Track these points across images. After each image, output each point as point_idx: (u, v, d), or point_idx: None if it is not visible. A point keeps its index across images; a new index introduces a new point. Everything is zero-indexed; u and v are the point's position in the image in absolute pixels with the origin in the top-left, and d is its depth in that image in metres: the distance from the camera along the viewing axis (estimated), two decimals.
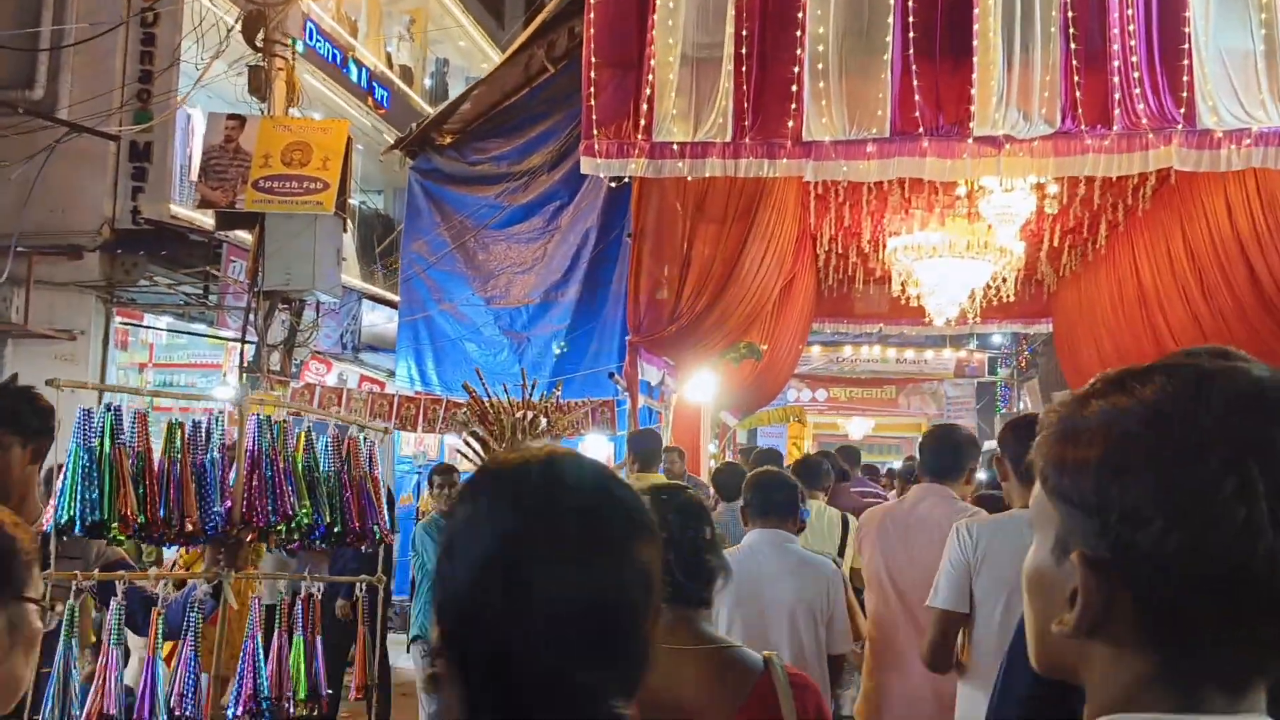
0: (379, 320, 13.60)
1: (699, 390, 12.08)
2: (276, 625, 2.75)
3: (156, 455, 2.51)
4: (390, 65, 16.56)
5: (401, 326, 11.17)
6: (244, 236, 9.56)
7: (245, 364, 8.89)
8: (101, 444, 2.37)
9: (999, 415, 30.77)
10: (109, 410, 2.43)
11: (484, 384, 4.92)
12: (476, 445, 4.90)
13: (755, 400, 16.24)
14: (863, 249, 14.00)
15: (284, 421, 2.73)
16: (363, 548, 3.09)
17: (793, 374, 20.02)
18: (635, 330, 9.07)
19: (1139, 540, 0.85)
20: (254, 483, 2.51)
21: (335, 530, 2.77)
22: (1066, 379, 18.35)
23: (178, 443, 2.52)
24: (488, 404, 4.83)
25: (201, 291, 9.92)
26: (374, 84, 14.57)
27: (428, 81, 18.02)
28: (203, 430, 2.59)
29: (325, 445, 2.87)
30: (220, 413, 2.63)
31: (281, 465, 2.53)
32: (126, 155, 10.19)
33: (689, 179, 8.96)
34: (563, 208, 10.90)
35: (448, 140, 11.27)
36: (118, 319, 10.38)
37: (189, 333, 10.98)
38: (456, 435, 10.31)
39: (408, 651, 6.16)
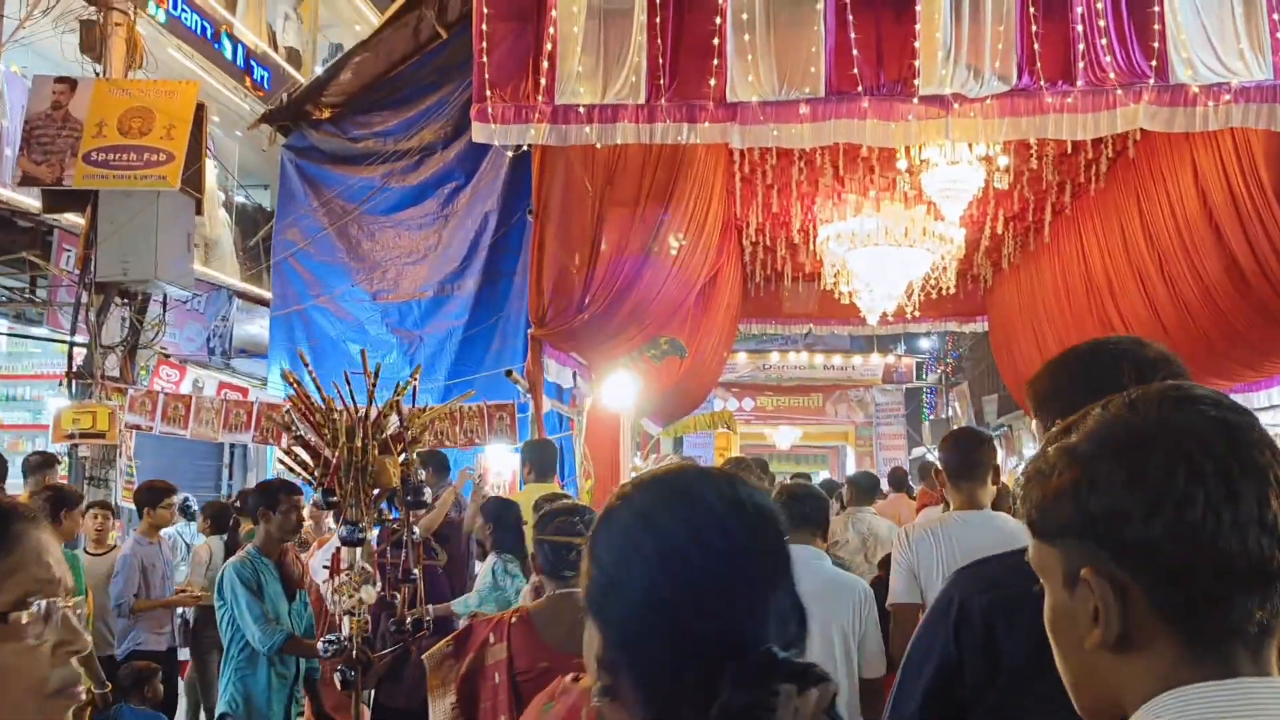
0: (259, 327, 12.17)
1: (617, 395, 10.90)
2: None
3: None
4: (275, 46, 15.14)
5: (274, 323, 9.81)
6: (78, 220, 8.15)
7: (73, 369, 7.46)
8: None
9: (927, 421, 30.17)
10: None
11: (311, 373, 3.68)
12: (304, 454, 3.64)
13: (680, 407, 15.09)
14: (792, 240, 12.94)
15: None
16: None
17: (719, 379, 18.95)
18: (538, 322, 7.83)
19: (1128, 536, 0.96)
20: None
21: None
22: (1003, 379, 17.53)
23: None
24: (319, 401, 3.60)
25: (27, 285, 8.46)
26: (252, 63, 13.15)
27: (319, 69, 16.59)
28: None
29: None
30: None
31: None
32: None
33: (598, 147, 7.79)
34: (459, 189, 9.67)
35: (326, 114, 9.96)
36: None
37: (12, 335, 9.46)
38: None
39: None
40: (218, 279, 11.43)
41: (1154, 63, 7.11)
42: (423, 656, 2.81)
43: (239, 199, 13.65)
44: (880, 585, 4.12)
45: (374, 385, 3.66)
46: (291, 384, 3.58)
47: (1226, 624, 0.94)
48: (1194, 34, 7.11)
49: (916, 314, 13.48)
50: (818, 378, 30.13)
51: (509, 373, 7.55)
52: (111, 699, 5.13)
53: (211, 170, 10.18)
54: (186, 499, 8.29)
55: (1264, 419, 12.68)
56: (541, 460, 6.58)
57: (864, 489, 8.28)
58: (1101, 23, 7.13)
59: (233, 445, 12.55)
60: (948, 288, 12.46)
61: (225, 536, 7.32)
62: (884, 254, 11.56)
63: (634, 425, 13.17)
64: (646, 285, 8.62)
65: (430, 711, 2.73)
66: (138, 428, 7.56)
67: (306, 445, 3.67)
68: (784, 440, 30.04)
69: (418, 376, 3.89)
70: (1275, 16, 6.88)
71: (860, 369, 29.75)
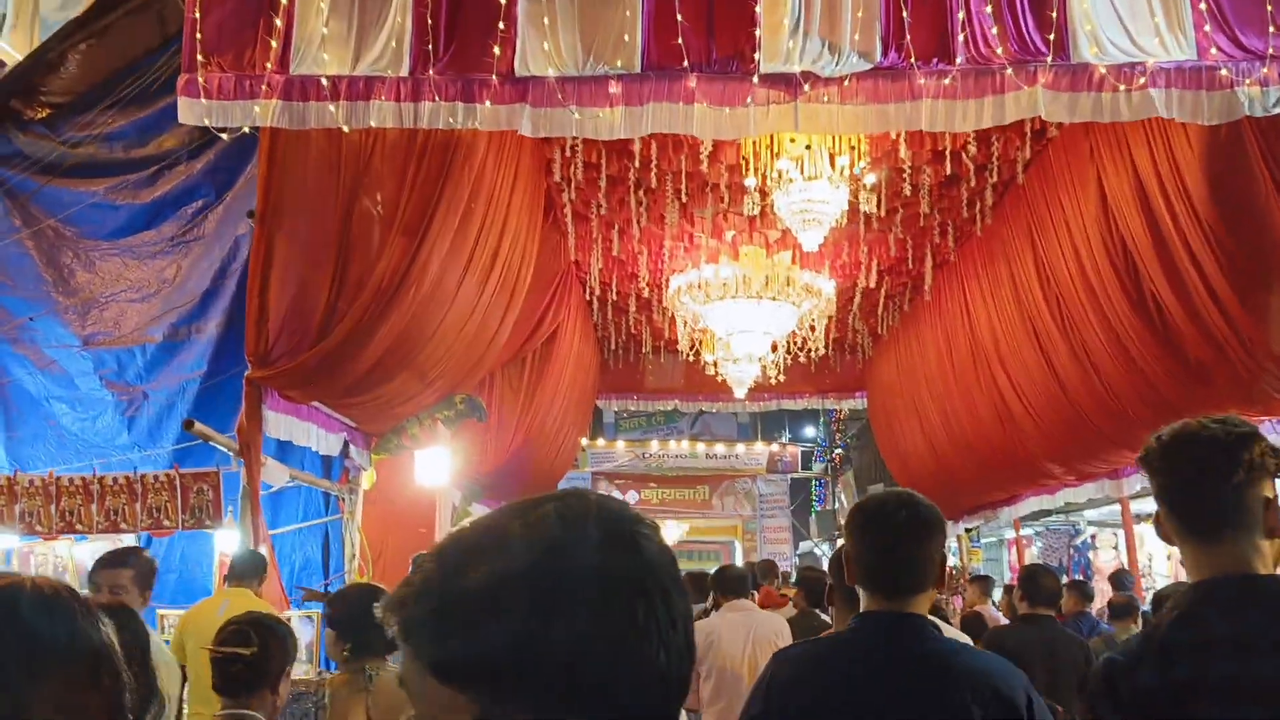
0: None
1: (429, 469, 8.93)
2: None
3: None
4: None
5: None
6: None
7: None
8: None
9: (814, 514, 28.59)
10: None
11: None
12: None
13: (519, 490, 13.07)
14: (642, 294, 11.23)
15: None
16: None
17: (574, 459, 17.00)
18: (258, 361, 5.83)
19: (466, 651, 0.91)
20: None
21: None
22: (885, 461, 15.97)
23: None
24: None
25: None
26: None
27: None
28: None
29: None
30: None
31: None
32: None
33: (346, 131, 5.95)
34: (206, 209, 7.73)
35: (43, 114, 7.96)
36: None
37: None
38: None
39: None
40: None
41: (1053, 36, 5.61)
42: None
43: None
44: None
45: None
46: None
47: None
48: (1100, 6, 5.65)
49: (782, 378, 11.80)
50: (701, 467, 28.53)
51: (189, 424, 5.50)
52: None
53: None
54: None
55: None
56: (242, 569, 5.25)
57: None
58: None
59: None
60: (817, 349, 10.84)
61: None
62: (743, 308, 9.88)
63: (458, 509, 11.15)
64: (415, 324, 6.71)
65: None
66: None
67: None
68: (670, 536, 28.13)
69: None
70: None
71: (744, 458, 28.29)
